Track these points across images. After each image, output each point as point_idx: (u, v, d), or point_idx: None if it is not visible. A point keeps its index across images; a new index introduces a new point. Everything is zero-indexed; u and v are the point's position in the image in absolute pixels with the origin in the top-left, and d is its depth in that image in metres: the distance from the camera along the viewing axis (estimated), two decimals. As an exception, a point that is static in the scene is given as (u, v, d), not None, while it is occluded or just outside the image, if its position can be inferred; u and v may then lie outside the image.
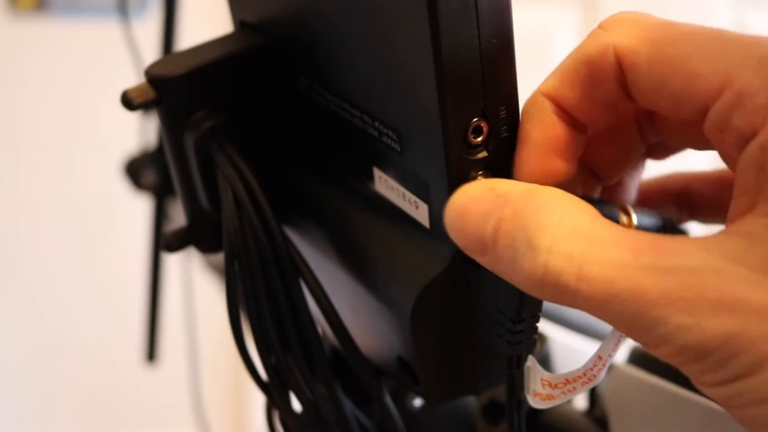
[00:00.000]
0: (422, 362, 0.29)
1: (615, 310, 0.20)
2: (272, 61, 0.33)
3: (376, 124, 0.28)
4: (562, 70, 0.24)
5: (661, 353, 0.21)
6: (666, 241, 0.20)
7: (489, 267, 0.23)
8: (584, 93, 0.24)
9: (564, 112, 0.24)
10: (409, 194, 0.28)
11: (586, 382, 0.26)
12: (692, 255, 0.20)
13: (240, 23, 0.35)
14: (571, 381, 0.26)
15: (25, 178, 1.57)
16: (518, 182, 0.23)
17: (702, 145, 0.27)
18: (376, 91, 0.27)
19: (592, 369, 0.26)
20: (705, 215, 0.31)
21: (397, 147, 0.27)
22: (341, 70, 0.29)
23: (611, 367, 0.38)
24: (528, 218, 0.21)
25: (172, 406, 1.43)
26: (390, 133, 0.27)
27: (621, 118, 0.28)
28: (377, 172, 0.30)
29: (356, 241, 0.31)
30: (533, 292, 0.22)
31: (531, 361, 0.27)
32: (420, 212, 0.28)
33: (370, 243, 0.30)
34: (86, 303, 1.62)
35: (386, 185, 0.29)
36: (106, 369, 1.64)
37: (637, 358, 0.37)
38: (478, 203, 0.23)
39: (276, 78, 0.33)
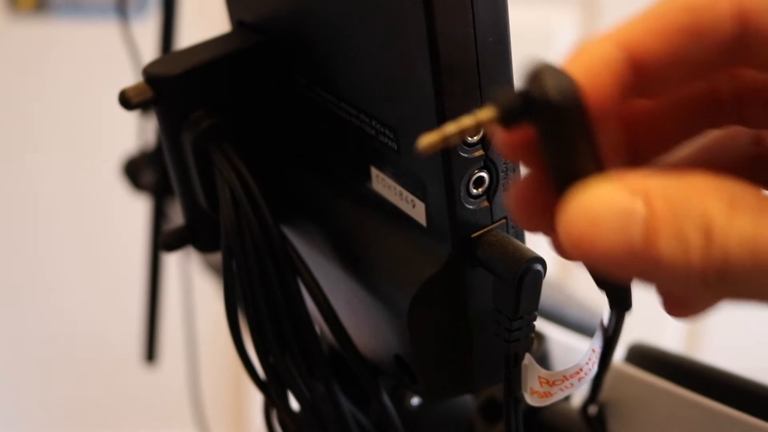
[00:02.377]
0: (419, 360, 0.29)
1: None
2: (269, 61, 0.33)
3: (373, 122, 0.28)
4: (651, 16, 0.20)
5: None
6: None
7: (630, 275, 0.19)
8: (675, 48, 0.19)
9: (637, 71, 0.20)
10: (406, 193, 0.28)
11: (582, 377, 0.26)
12: None
13: (237, 23, 0.35)
14: (568, 377, 0.26)
15: (24, 177, 1.57)
16: (649, 171, 0.19)
17: None
18: (373, 90, 0.27)
19: (587, 363, 0.26)
20: None
21: (394, 146, 0.27)
22: (338, 69, 0.29)
23: (609, 366, 0.38)
24: (693, 205, 0.18)
25: (171, 406, 1.43)
26: (387, 132, 0.27)
27: (696, 89, 0.23)
28: (374, 171, 0.30)
29: (353, 239, 0.31)
30: (704, 289, 0.19)
31: (528, 359, 0.27)
32: (417, 211, 0.28)
33: (367, 242, 0.30)
34: (85, 303, 1.62)
35: (383, 184, 0.29)
36: (105, 369, 1.63)
37: (635, 357, 0.37)
38: (611, 204, 0.18)
39: (273, 77, 0.33)
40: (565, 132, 0.19)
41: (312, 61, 0.31)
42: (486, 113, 0.19)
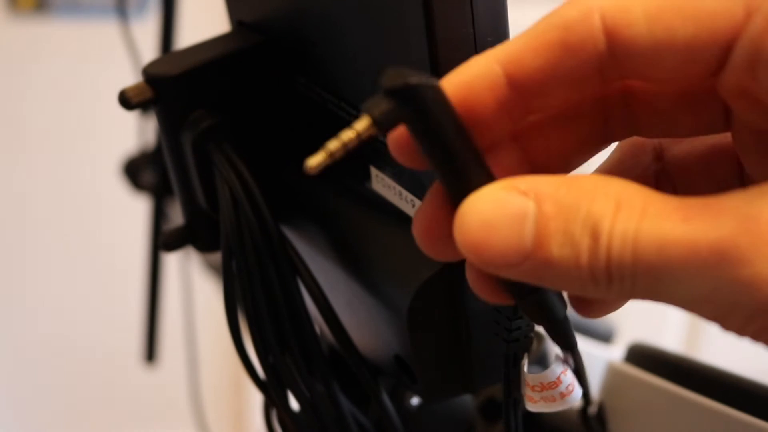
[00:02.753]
0: (419, 360, 0.29)
1: (693, 280, 0.18)
2: (269, 61, 0.33)
3: (373, 122, 0.28)
4: (528, 36, 0.20)
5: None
6: (714, 199, 0.18)
7: (523, 277, 0.20)
8: (551, 63, 0.20)
9: (515, 87, 0.21)
10: (405, 192, 0.28)
11: (565, 394, 0.26)
12: (748, 202, 0.18)
13: (237, 23, 0.35)
14: (545, 385, 0.26)
15: (24, 177, 1.57)
16: (539, 175, 0.20)
17: (686, 125, 0.24)
18: (373, 90, 0.27)
19: (563, 374, 0.26)
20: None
21: (394, 146, 0.27)
22: (338, 69, 0.29)
23: (609, 366, 0.38)
24: (581, 210, 0.19)
25: (171, 406, 1.43)
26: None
27: (581, 103, 0.24)
28: (374, 171, 0.30)
29: (353, 239, 0.31)
30: (595, 289, 0.19)
31: (524, 365, 0.27)
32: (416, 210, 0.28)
33: (367, 241, 0.30)
34: (85, 303, 1.62)
35: (383, 183, 0.29)
36: (105, 369, 1.64)
37: (635, 357, 0.37)
38: (503, 207, 0.19)
39: (273, 77, 0.33)
40: (434, 125, 0.19)
41: (312, 61, 0.31)
42: (362, 123, 0.20)
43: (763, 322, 0.18)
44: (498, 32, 0.24)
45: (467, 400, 0.40)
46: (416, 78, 0.19)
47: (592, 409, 0.37)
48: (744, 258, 0.17)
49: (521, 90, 0.21)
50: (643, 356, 0.37)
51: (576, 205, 0.19)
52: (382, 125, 0.20)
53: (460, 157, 0.20)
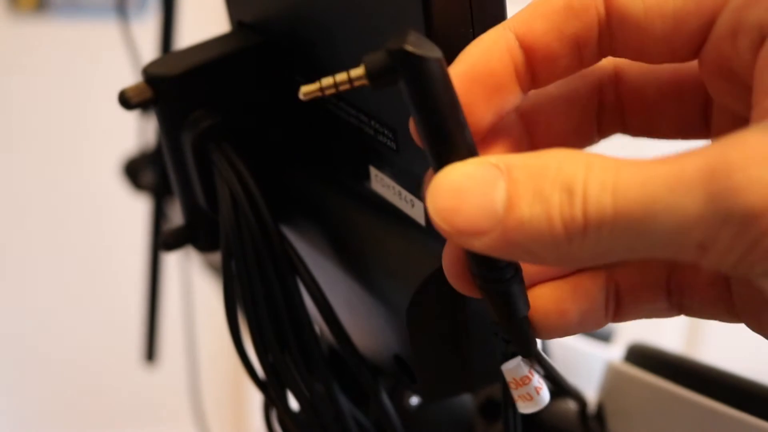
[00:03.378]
0: (418, 360, 0.29)
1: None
2: (269, 61, 0.33)
3: (372, 122, 0.28)
4: (537, 3, 0.22)
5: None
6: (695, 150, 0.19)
7: (494, 249, 0.20)
8: (557, 26, 0.22)
9: (526, 49, 0.22)
10: (404, 192, 0.28)
11: (532, 395, 0.26)
12: (728, 139, 0.18)
13: (237, 23, 0.35)
14: (518, 381, 0.26)
15: (24, 177, 1.57)
16: (511, 154, 0.21)
17: (670, 116, 0.25)
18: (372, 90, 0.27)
19: (531, 374, 0.26)
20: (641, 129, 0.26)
21: (393, 145, 0.27)
22: (338, 69, 0.29)
23: (608, 366, 0.38)
24: (551, 170, 0.19)
25: (171, 406, 1.43)
26: (386, 132, 0.28)
27: (579, 86, 0.25)
28: (373, 171, 0.30)
29: (353, 239, 0.31)
30: (568, 248, 0.19)
31: (511, 363, 0.26)
32: (416, 210, 0.28)
33: (367, 241, 0.30)
34: (85, 303, 1.62)
35: (382, 183, 0.29)
36: (105, 369, 1.64)
37: (635, 357, 0.37)
38: (474, 177, 0.20)
39: (273, 77, 0.33)
40: (424, 96, 0.20)
41: (311, 62, 0.31)
42: (357, 71, 0.21)
43: (750, 236, 0.17)
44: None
45: (467, 399, 0.40)
46: (419, 46, 0.19)
47: (592, 409, 0.37)
48: (735, 166, 0.17)
49: (531, 52, 0.22)
50: (642, 356, 0.37)
51: (545, 167, 0.19)
52: (374, 80, 0.20)
53: (446, 130, 0.20)
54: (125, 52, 0.71)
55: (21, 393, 1.67)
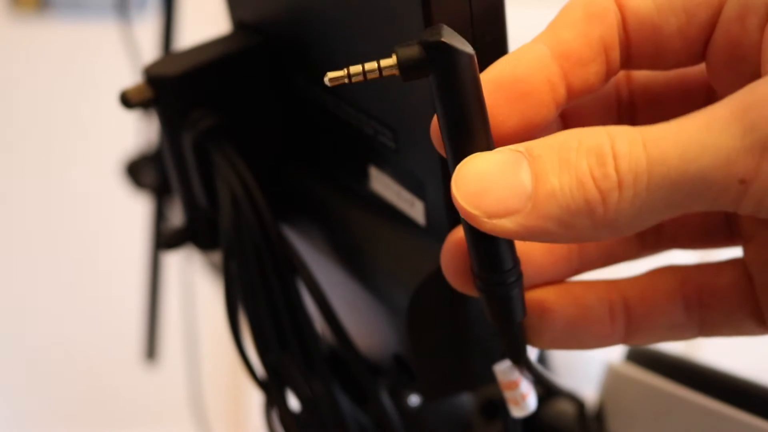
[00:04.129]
0: (418, 359, 0.29)
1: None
2: (269, 61, 0.33)
3: (372, 122, 0.28)
4: (558, 17, 0.23)
5: None
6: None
7: (529, 222, 0.19)
8: (583, 32, 0.22)
9: (557, 58, 0.23)
10: (404, 192, 0.28)
11: (519, 400, 0.26)
12: (753, 84, 0.18)
13: (238, 23, 0.35)
14: (507, 385, 0.26)
15: (24, 177, 1.57)
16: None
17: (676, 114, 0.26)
18: (372, 90, 0.28)
19: (520, 380, 0.26)
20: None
21: (393, 145, 0.27)
22: (337, 69, 0.29)
23: (608, 366, 0.38)
24: (572, 142, 0.19)
25: (171, 405, 1.43)
26: (386, 132, 0.28)
27: (604, 91, 0.26)
28: (373, 171, 0.30)
29: (352, 239, 0.31)
30: (604, 210, 0.19)
31: (502, 365, 0.26)
32: (415, 210, 0.28)
33: (367, 241, 0.30)
34: (85, 302, 1.62)
35: (382, 183, 0.29)
36: (105, 369, 1.64)
37: (635, 357, 0.37)
38: (497, 160, 0.20)
39: (273, 77, 0.33)
40: (455, 89, 0.20)
41: (311, 62, 0.31)
42: (388, 61, 0.20)
43: None
44: (497, 31, 0.24)
45: (467, 399, 0.40)
46: (454, 40, 0.20)
47: (591, 410, 0.37)
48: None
49: (563, 59, 0.22)
50: (642, 356, 0.37)
51: (566, 141, 0.19)
52: (405, 71, 0.20)
53: (471, 124, 0.20)
54: (125, 52, 0.71)
55: (21, 393, 1.67)
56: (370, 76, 0.21)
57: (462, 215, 0.20)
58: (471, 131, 0.20)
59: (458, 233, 0.24)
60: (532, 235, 0.20)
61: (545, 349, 0.25)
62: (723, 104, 0.18)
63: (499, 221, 0.19)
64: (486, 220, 0.20)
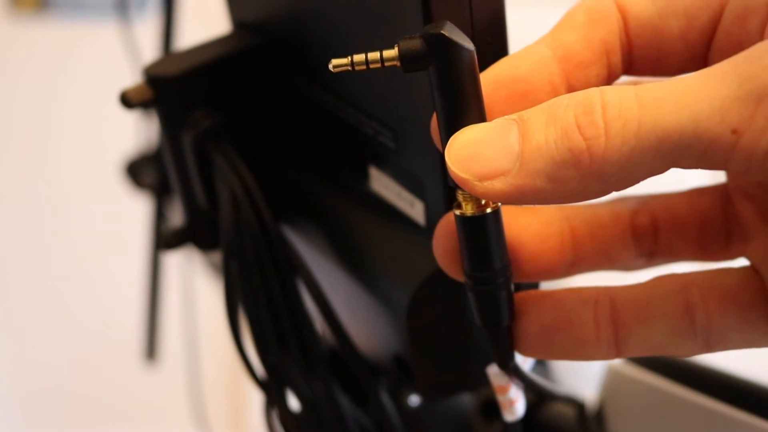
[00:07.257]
0: (418, 359, 0.29)
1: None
2: (269, 61, 0.33)
3: (372, 122, 0.28)
4: (562, 21, 0.23)
5: None
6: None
7: (518, 181, 0.19)
8: (585, 35, 0.23)
9: (559, 60, 0.23)
10: (404, 192, 0.28)
11: (510, 404, 0.26)
12: (753, 47, 0.18)
13: (238, 23, 0.35)
14: (498, 389, 0.26)
15: (25, 177, 1.57)
16: None
17: None
18: (373, 90, 0.28)
19: (510, 385, 0.26)
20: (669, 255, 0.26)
21: (393, 145, 0.27)
22: None
23: (609, 366, 0.38)
24: (562, 100, 0.19)
25: (171, 405, 1.43)
26: (386, 132, 0.28)
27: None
28: (373, 171, 0.30)
29: (352, 239, 0.31)
30: (592, 163, 0.19)
31: (494, 369, 0.26)
32: (415, 210, 0.28)
33: (367, 241, 0.30)
34: (86, 302, 1.62)
35: (382, 184, 0.29)
36: (105, 368, 1.64)
37: (635, 357, 0.37)
38: (488, 127, 0.20)
39: (273, 78, 0.33)
40: (458, 77, 0.20)
41: (312, 62, 0.31)
42: (390, 52, 0.21)
43: None
44: (497, 32, 0.24)
45: (467, 399, 0.40)
46: (456, 35, 0.20)
47: (591, 409, 0.37)
48: (765, 52, 0.18)
49: (564, 62, 0.23)
50: (642, 356, 0.37)
51: (556, 101, 0.19)
52: (406, 62, 0.21)
53: (467, 118, 0.21)
54: (125, 52, 0.71)
55: (21, 392, 1.67)
56: (372, 66, 0.21)
57: (456, 182, 0.20)
58: (467, 119, 0.21)
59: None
60: (522, 194, 0.20)
61: (532, 357, 0.25)
62: (720, 64, 0.18)
63: (490, 183, 0.20)
64: (477, 183, 0.20)
